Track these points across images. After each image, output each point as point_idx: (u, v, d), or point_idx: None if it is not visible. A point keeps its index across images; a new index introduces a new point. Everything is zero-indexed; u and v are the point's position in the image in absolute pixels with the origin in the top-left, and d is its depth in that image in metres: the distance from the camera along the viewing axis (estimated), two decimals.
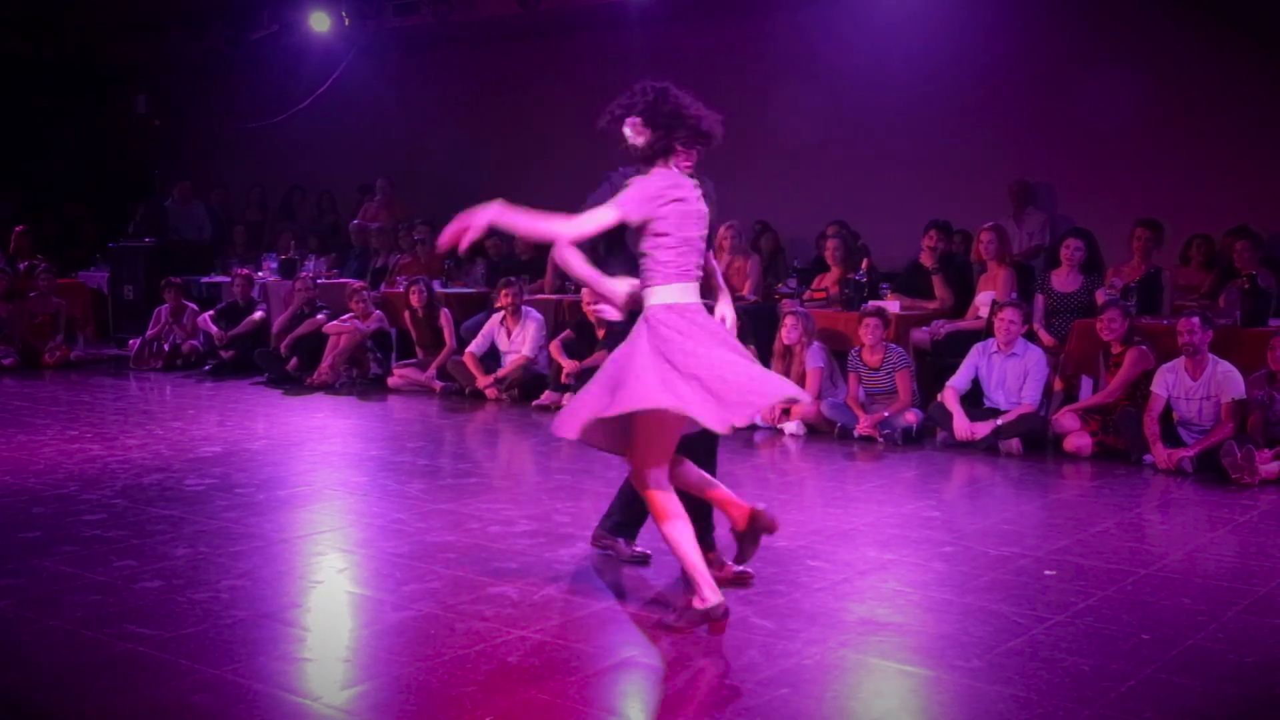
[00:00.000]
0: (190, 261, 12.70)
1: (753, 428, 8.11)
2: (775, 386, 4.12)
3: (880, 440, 7.64)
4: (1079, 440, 7.20)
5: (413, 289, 9.96)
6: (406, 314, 10.15)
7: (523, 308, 9.52)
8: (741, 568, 4.58)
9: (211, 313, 11.28)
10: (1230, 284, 7.93)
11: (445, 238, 3.96)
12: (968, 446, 7.41)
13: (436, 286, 10.44)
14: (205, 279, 12.38)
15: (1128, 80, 9.66)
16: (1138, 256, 8.25)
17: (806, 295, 9.17)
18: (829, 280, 9.24)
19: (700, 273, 4.18)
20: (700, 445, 4.46)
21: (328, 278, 11.58)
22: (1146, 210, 8.74)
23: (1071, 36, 10.29)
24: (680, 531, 4.11)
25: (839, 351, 8.33)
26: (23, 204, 14.69)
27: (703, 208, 4.17)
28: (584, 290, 9.24)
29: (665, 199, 4.03)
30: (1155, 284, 8.02)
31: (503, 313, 9.54)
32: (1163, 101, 9.74)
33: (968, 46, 10.55)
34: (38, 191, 15.12)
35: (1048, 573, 4.81)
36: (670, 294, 4.05)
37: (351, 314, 10.26)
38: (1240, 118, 9.55)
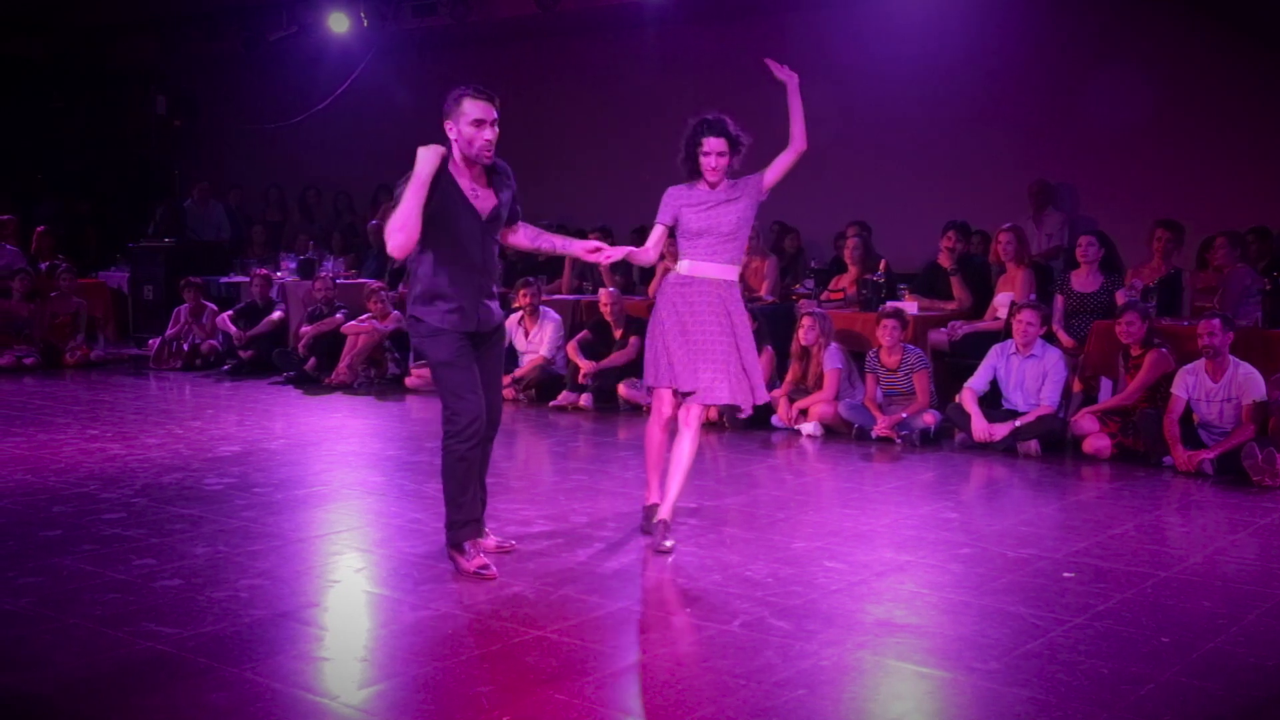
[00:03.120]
0: (209, 261, 12.77)
1: (771, 429, 8.10)
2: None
3: (898, 441, 7.61)
4: (1098, 442, 7.16)
5: None
6: None
7: (540, 308, 9.53)
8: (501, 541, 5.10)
9: (230, 312, 11.33)
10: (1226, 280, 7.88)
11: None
12: (986, 448, 7.39)
13: None
14: (224, 279, 12.44)
15: (1147, 81, 9.63)
16: (1158, 257, 8.19)
17: (824, 296, 9.15)
18: (846, 280, 9.22)
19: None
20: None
21: (346, 278, 11.62)
22: (1166, 211, 8.69)
23: (1090, 36, 10.25)
24: None
25: (857, 352, 8.31)
26: (58, 207, 14.79)
27: None
28: (602, 291, 9.27)
29: None
30: (1175, 285, 7.97)
31: (520, 313, 9.55)
32: (1182, 102, 9.70)
33: (985, 46, 10.52)
34: (57, 192, 15.22)
35: (1067, 575, 4.79)
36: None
37: (369, 314, 10.29)
38: (1260, 119, 9.49)
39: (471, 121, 4.54)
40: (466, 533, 4.73)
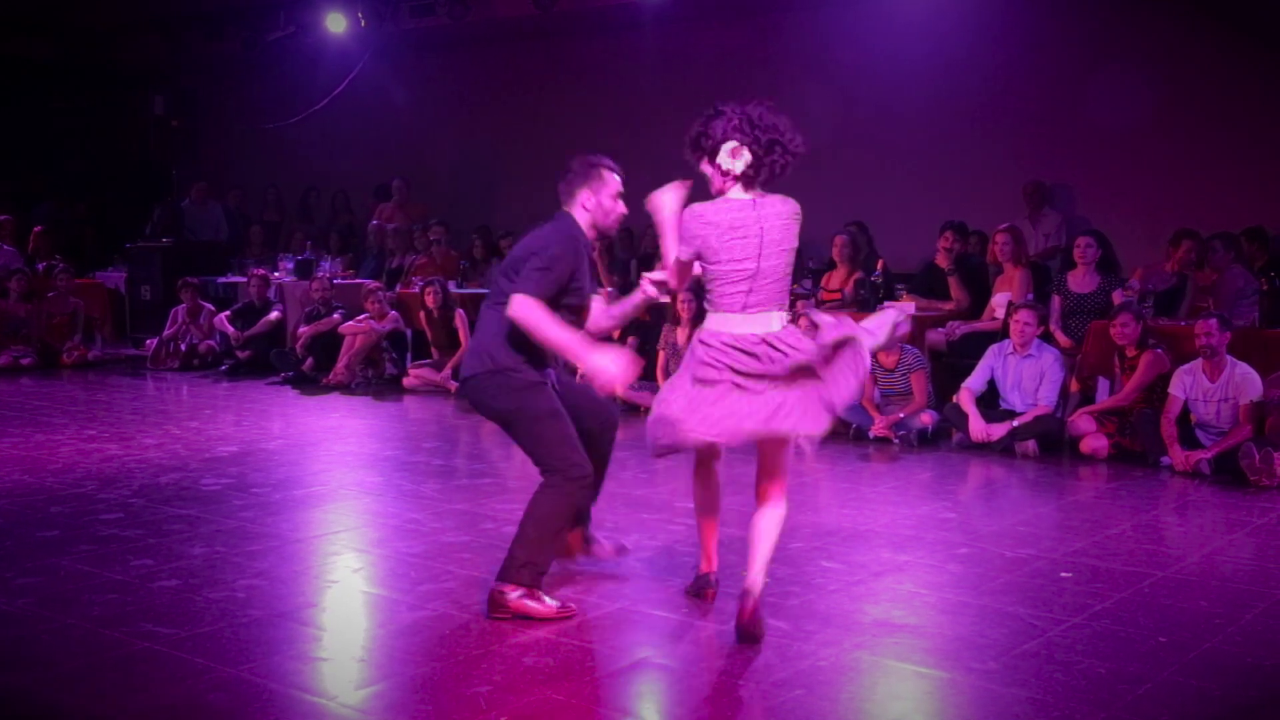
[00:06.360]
0: (207, 262, 12.75)
1: None
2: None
3: (895, 441, 7.62)
4: (1095, 442, 7.17)
5: (428, 289, 9.98)
6: (422, 314, 10.17)
7: None
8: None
9: (228, 313, 11.33)
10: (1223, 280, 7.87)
11: None
12: (983, 448, 7.39)
13: (452, 287, 10.45)
14: (222, 279, 12.42)
15: (1144, 81, 9.63)
16: (1175, 265, 8.08)
17: (821, 296, 9.15)
18: (837, 279, 9.22)
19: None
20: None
21: (344, 278, 11.62)
22: (1164, 211, 8.69)
23: (1088, 37, 10.26)
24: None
25: None
26: (56, 207, 14.76)
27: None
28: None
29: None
30: (1181, 289, 7.96)
31: None
32: (1181, 103, 9.70)
33: (982, 46, 10.52)
34: (55, 192, 15.21)
35: (1064, 575, 4.79)
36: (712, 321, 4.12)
37: (367, 314, 10.29)
38: (1260, 119, 9.50)
39: (614, 194, 4.57)
40: (542, 579, 4.31)
